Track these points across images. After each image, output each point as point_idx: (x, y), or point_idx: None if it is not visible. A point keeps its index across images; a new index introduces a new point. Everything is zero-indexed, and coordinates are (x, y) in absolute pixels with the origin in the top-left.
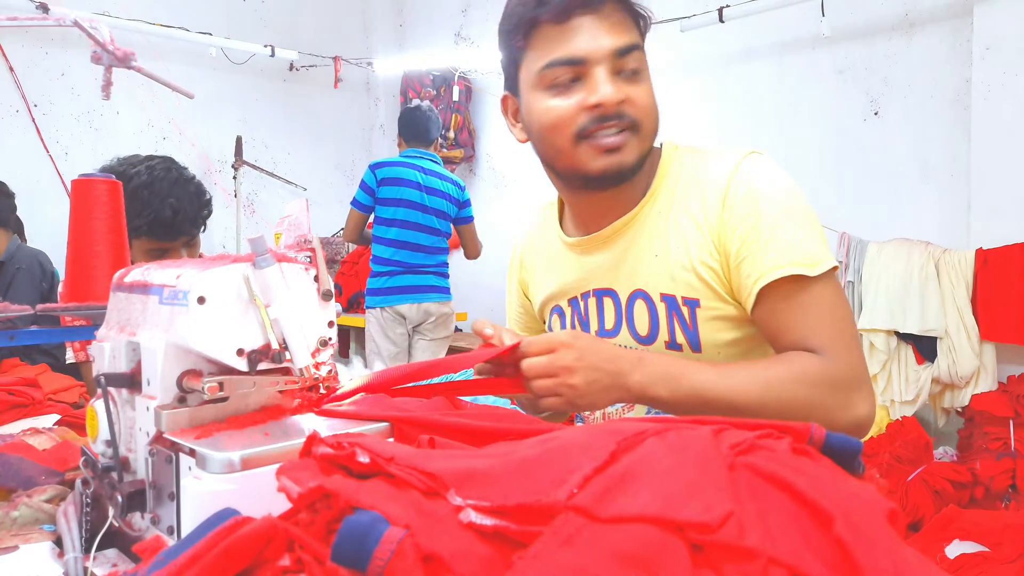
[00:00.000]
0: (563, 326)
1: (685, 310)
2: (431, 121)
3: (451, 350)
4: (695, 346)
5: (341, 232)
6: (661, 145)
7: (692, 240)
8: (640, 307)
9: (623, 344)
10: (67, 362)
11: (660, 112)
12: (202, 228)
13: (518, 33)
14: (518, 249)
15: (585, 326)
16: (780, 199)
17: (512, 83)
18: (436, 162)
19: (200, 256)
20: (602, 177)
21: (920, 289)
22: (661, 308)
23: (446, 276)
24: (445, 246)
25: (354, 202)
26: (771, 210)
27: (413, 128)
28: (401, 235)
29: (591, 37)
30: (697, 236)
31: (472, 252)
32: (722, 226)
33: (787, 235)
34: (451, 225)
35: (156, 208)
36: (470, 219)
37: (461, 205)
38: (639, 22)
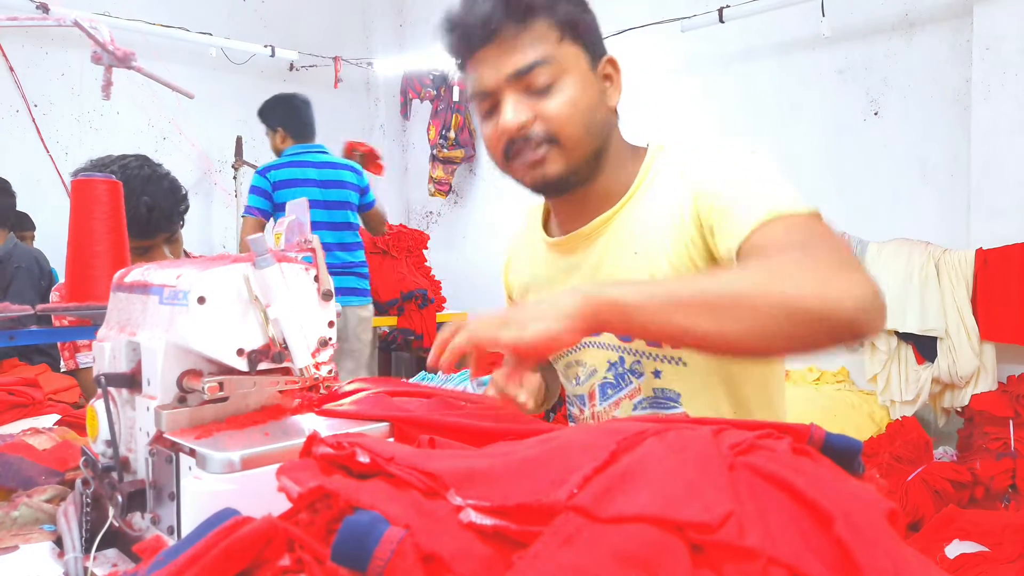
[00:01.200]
0: None
1: None
2: (312, 113)
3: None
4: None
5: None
6: (648, 144)
7: (669, 235)
8: None
9: (606, 343)
10: (61, 370)
11: (596, 109)
12: (180, 224)
13: (458, 71)
14: (507, 252)
15: None
16: (751, 160)
17: None
18: (325, 152)
19: (186, 254)
20: (536, 190)
21: (920, 289)
22: None
23: (364, 276)
24: (357, 240)
25: (248, 210)
26: (739, 178)
27: (299, 123)
28: (336, 236)
29: (492, 67)
30: (673, 229)
31: (378, 232)
32: (692, 208)
33: (764, 188)
34: (358, 214)
35: (131, 206)
36: (373, 203)
37: (363, 191)
38: (560, 24)
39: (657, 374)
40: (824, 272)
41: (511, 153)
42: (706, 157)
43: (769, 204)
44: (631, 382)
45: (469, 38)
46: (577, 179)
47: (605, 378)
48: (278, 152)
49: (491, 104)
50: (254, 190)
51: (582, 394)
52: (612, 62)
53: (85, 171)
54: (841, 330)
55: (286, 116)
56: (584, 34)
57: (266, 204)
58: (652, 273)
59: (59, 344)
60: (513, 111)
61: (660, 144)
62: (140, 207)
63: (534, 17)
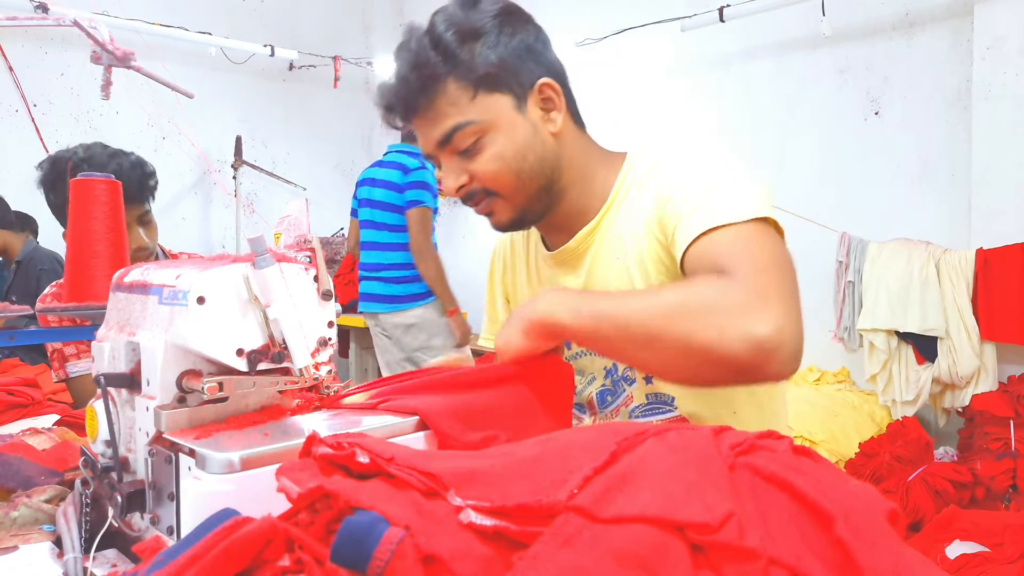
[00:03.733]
0: None
1: None
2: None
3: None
4: None
5: (342, 232)
6: (627, 151)
7: (643, 236)
8: None
9: None
10: (54, 380)
11: (528, 151)
12: (150, 199)
13: None
14: (501, 255)
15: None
16: (714, 163)
17: None
18: (400, 151)
19: (162, 250)
20: (500, 231)
21: (920, 289)
22: None
23: (397, 280)
24: (395, 240)
25: (428, 202)
26: (704, 175)
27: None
28: (364, 235)
29: (423, 136)
30: (647, 235)
31: (412, 243)
32: (664, 209)
33: (719, 195)
34: (403, 215)
35: None
36: (412, 204)
37: (403, 188)
38: (470, 81)
39: (648, 379)
40: (732, 310)
41: (467, 204)
42: (673, 161)
43: (711, 216)
44: (624, 389)
45: (393, 115)
46: (533, 216)
47: (604, 385)
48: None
49: (437, 163)
50: (428, 187)
51: (581, 403)
52: (548, 85)
53: (49, 162)
54: (734, 373)
55: None
56: (502, 79)
57: (354, 203)
58: (634, 278)
59: (48, 354)
60: (449, 177)
61: (638, 148)
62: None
63: (441, 84)
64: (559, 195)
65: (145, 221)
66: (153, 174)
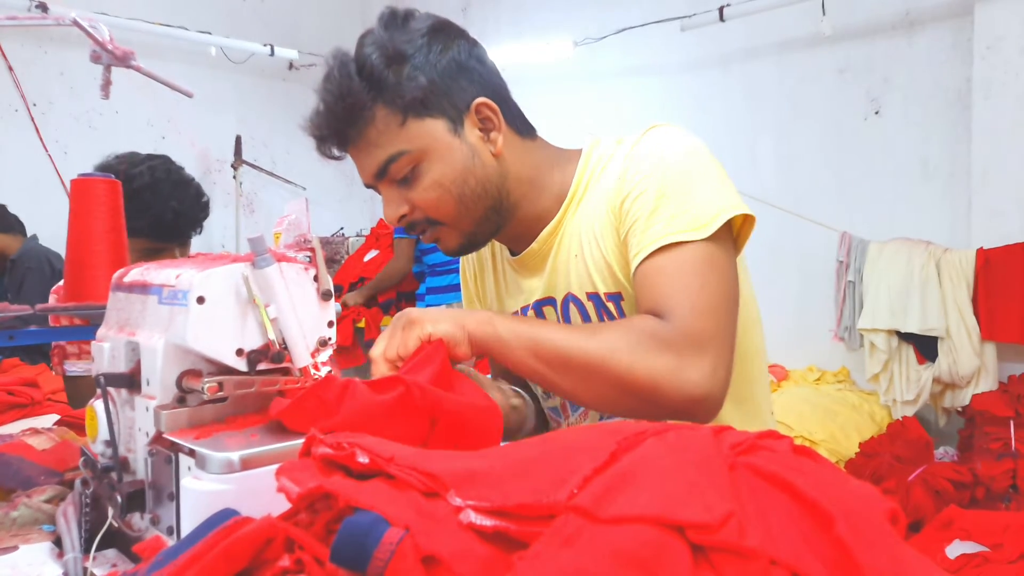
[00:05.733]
0: None
1: (611, 306)
2: None
3: None
4: None
5: (341, 232)
6: (583, 145)
7: (602, 232)
8: (573, 311)
9: None
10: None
11: (468, 175)
12: (199, 229)
13: None
14: (469, 261)
15: None
16: (674, 165)
17: None
18: None
19: (194, 256)
20: (453, 256)
21: (921, 289)
22: (590, 308)
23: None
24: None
25: (403, 231)
26: (663, 180)
27: None
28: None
29: (359, 167)
30: (606, 226)
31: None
32: (621, 207)
33: (674, 204)
34: None
35: (158, 210)
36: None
37: None
38: (399, 107)
39: None
40: (668, 359)
41: (413, 233)
42: (633, 150)
43: (665, 228)
44: None
45: (326, 148)
46: (483, 237)
47: None
48: None
49: (380, 191)
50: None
51: (555, 407)
52: (485, 105)
53: (107, 167)
54: (667, 414)
55: None
56: (433, 102)
57: None
58: (594, 274)
59: (51, 347)
60: (389, 208)
61: (593, 142)
62: (167, 211)
63: (369, 112)
64: (509, 212)
65: (185, 244)
66: (207, 204)
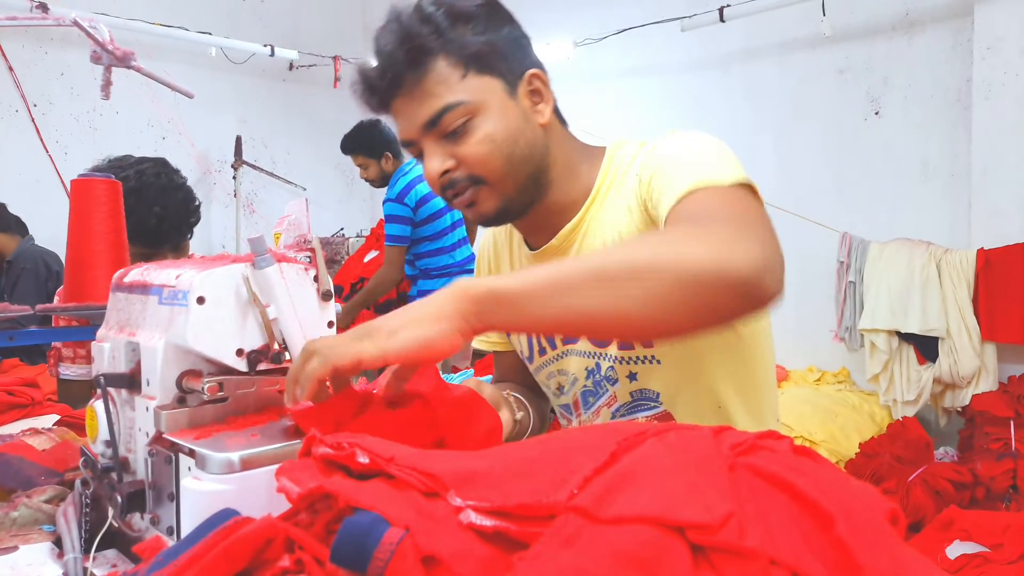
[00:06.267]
0: (528, 337)
1: None
2: None
3: None
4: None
5: (341, 232)
6: (607, 144)
7: (625, 229)
8: None
9: (582, 351)
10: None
11: (519, 137)
12: (188, 235)
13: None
14: (485, 257)
15: (550, 336)
16: (697, 141)
17: None
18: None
19: (191, 257)
20: (481, 224)
21: (921, 289)
22: None
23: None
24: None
25: (393, 240)
26: (686, 150)
27: (396, 141)
28: (450, 238)
29: (406, 119)
30: (629, 224)
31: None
32: (645, 191)
33: (697, 163)
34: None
35: (142, 215)
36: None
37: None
38: (461, 60)
39: (632, 377)
40: (720, 237)
41: (448, 196)
42: (653, 146)
43: (691, 178)
44: (607, 389)
45: (376, 93)
46: (519, 207)
47: (585, 386)
48: (387, 176)
49: (417, 151)
50: (395, 219)
51: (568, 404)
52: (537, 76)
53: (100, 170)
54: (735, 291)
55: (384, 140)
56: (493, 61)
57: (408, 230)
58: None
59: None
60: (433, 161)
61: (618, 142)
62: (151, 217)
63: (431, 60)
64: (545, 188)
65: (178, 248)
66: (197, 210)
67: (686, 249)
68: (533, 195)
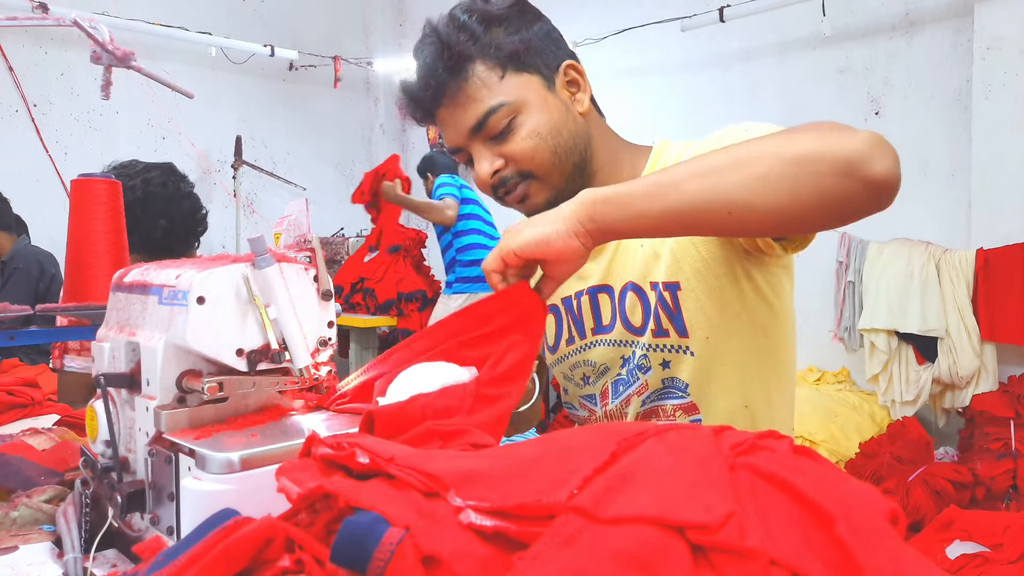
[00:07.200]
0: (557, 324)
1: (667, 295)
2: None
3: None
4: (681, 331)
5: (341, 232)
6: (653, 142)
7: None
8: (632, 299)
9: (617, 339)
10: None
11: (562, 128)
12: (196, 244)
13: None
14: None
15: (579, 324)
16: (736, 128)
17: None
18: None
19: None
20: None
21: (921, 289)
22: (651, 296)
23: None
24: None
25: (450, 194)
26: (725, 138)
27: (444, 162)
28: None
29: (452, 127)
30: None
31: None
32: None
33: (739, 133)
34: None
35: (148, 227)
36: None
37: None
38: (498, 61)
39: (665, 364)
40: (816, 129)
41: (499, 195)
42: (704, 140)
43: (746, 130)
44: (639, 378)
45: (420, 105)
46: (568, 198)
47: (619, 375)
48: (429, 191)
49: (466, 156)
50: (449, 185)
51: (593, 394)
52: (572, 67)
53: (106, 174)
54: (841, 170)
55: (432, 161)
56: (529, 58)
57: (459, 193)
58: (656, 261)
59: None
60: (483, 164)
61: (665, 141)
62: (156, 229)
63: (470, 65)
64: (590, 178)
65: (183, 255)
66: (204, 219)
67: (784, 140)
68: (580, 185)
